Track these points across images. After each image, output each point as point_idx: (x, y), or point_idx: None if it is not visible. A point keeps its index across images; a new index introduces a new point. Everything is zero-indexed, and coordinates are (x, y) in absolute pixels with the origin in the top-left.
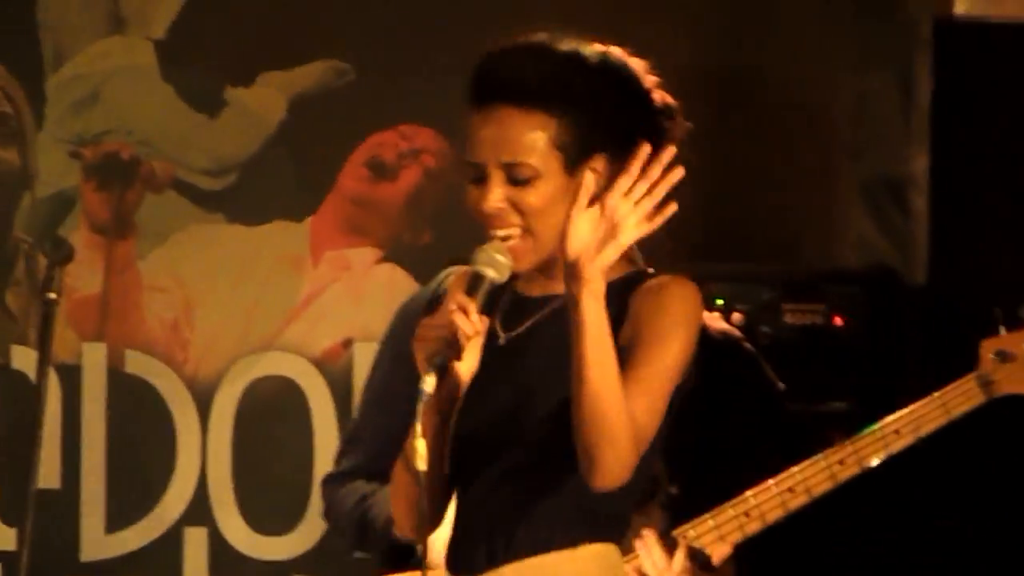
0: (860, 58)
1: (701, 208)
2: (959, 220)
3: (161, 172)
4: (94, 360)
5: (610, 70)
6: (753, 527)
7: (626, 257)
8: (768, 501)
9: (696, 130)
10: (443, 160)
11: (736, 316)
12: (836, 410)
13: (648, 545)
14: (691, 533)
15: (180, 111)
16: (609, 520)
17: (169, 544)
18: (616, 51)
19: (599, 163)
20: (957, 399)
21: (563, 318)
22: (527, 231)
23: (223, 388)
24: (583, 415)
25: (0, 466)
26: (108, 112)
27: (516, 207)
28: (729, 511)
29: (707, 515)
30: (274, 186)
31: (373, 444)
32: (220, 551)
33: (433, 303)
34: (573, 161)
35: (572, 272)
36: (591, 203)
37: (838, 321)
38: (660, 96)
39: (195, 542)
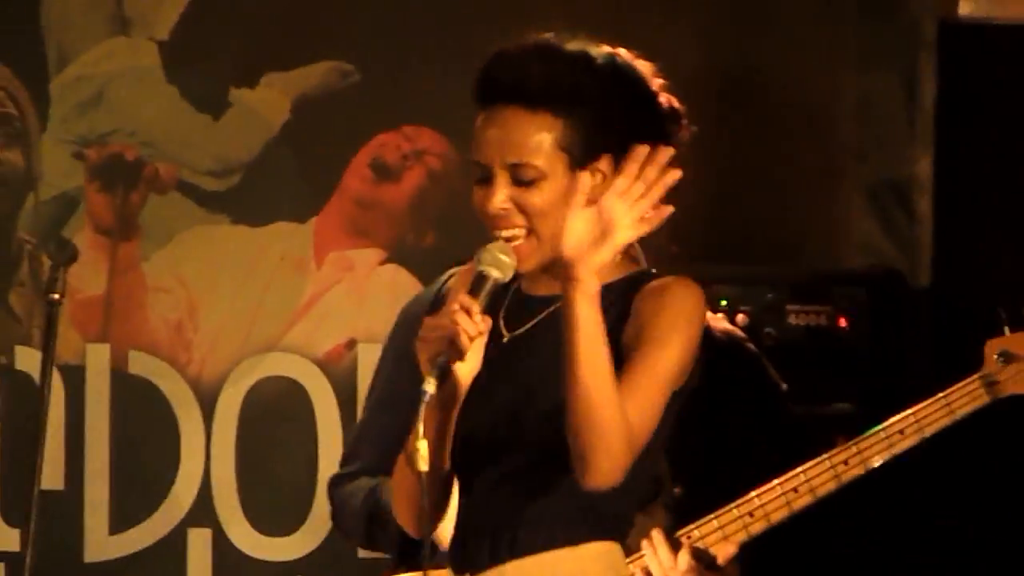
0: (864, 60)
1: (705, 210)
2: (963, 221)
3: (165, 173)
4: (98, 361)
5: (617, 72)
6: (757, 527)
7: (629, 257)
8: (772, 501)
9: (700, 132)
10: (447, 161)
11: (740, 317)
12: (840, 411)
13: (655, 545)
14: (695, 533)
15: (184, 112)
16: (612, 520)
17: (173, 545)
18: (623, 53)
19: (604, 164)
20: (962, 399)
21: (557, 318)
22: (531, 232)
23: (227, 389)
24: (576, 415)
25: (4, 467)
26: (112, 113)
27: (521, 208)
28: (733, 511)
29: (711, 515)
30: (278, 187)
31: (379, 445)
32: (224, 552)
33: (436, 304)
34: (578, 162)
35: (566, 272)
36: (590, 203)
37: (842, 322)
38: (667, 99)
39: (199, 543)
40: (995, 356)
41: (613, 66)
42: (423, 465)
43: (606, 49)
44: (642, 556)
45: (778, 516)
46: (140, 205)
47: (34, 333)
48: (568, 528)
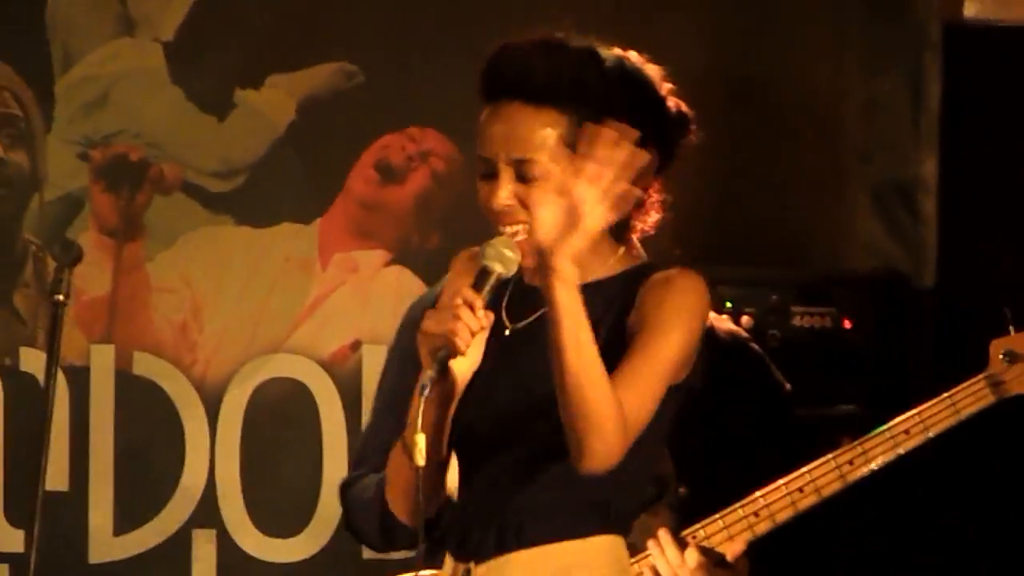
0: (869, 61)
1: (710, 211)
2: (968, 222)
3: (170, 174)
4: (102, 362)
5: (622, 70)
6: (763, 527)
7: (631, 254)
8: (778, 501)
9: (705, 133)
10: (451, 163)
11: (745, 319)
12: (845, 413)
13: (663, 543)
14: (700, 533)
15: (189, 113)
16: (617, 514)
17: (177, 546)
18: (632, 57)
19: (640, 166)
20: (967, 399)
21: None
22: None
23: (231, 390)
24: (566, 401)
25: (8, 468)
26: (117, 114)
27: (525, 204)
28: (739, 511)
29: (716, 515)
30: (282, 188)
31: (387, 449)
32: (229, 553)
33: None
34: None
35: (543, 261)
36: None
37: (847, 324)
38: (675, 103)
39: (203, 544)
40: (1000, 356)
41: (618, 64)
42: (420, 459)
43: (615, 52)
44: (648, 555)
45: (783, 516)
46: (145, 206)
47: (39, 334)
48: (575, 520)
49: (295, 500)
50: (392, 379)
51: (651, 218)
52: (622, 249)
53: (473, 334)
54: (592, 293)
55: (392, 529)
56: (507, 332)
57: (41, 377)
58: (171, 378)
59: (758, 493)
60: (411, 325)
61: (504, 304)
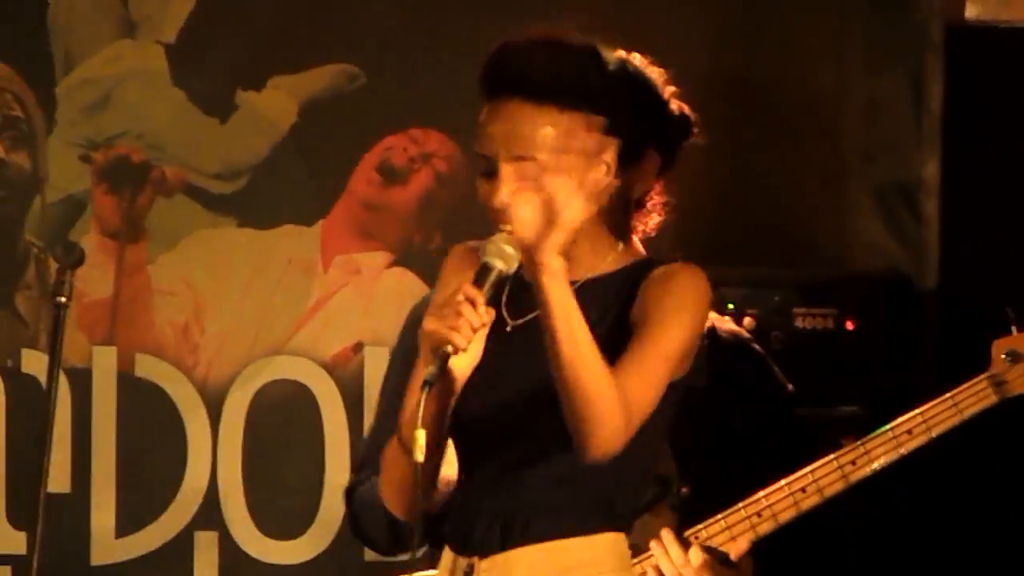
0: (871, 62)
1: (712, 212)
2: (970, 223)
3: (172, 176)
4: (104, 364)
5: (625, 72)
6: (765, 527)
7: (632, 249)
8: (780, 501)
9: (707, 135)
10: (454, 164)
11: (747, 320)
12: (847, 414)
13: (667, 543)
14: (703, 534)
15: (191, 115)
16: (621, 511)
17: (180, 548)
18: (636, 59)
19: (608, 155)
20: (969, 399)
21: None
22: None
23: (234, 392)
24: (565, 391)
25: (10, 470)
26: (119, 116)
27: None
28: (741, 512)
29: (719, 515)
30: (285, 190)
31: None
32: (231, 555)
33: None
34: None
35: (528, 258)
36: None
37: (849, 325)
38: (677, 106)
39: (206, 546)
40: (1002, 356)
41: (624, 72)
42: (420, 455)
43: (618, 54)
44: (651, 556)
45: (786, 516)
46: (147, 208)
47: (41, 336)
48: (580, 517)
49: (297, 502)
50: (395, 381)
51: (653, 219)
52: (621, 245)
53: (475, 330)
54: (593, 289)
55: (399, 529)
56: (508, 329)
57: (43, 379)
58: (173, 380)
59: (760, 493)
60: (414, 327)
61: (504, 300)
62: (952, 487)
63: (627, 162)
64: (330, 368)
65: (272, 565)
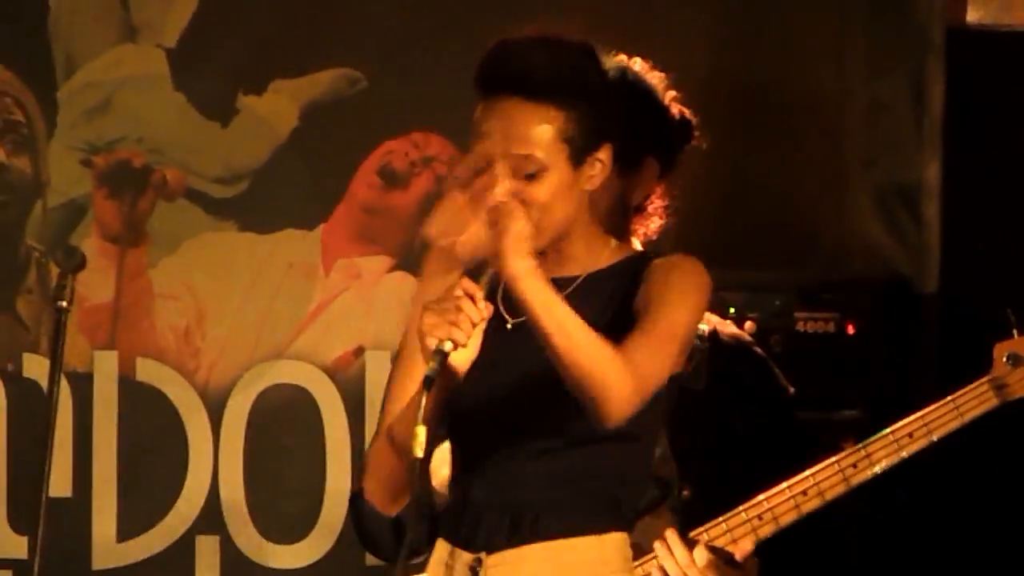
0: (872, 65)
1: (713, 215)
2: (971, 226)
3: (173, 180)
4: (105, 368)
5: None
6: (766, 530)
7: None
8: (781, 504)
9: (709, 138)
10: (455, 168)
11: (748, 324)
12: (848, 418)
13: (671, 543)
14: (704, 536)
15: (192, 119)
16: (626, 512)
17: (181, 552)
18: (636, 64)
19: (604, 154)
20: (970, 402)
21: (569, 300)
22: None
23: (235, 396)
24: (569, 377)
25: (11, 474)
26: (120, 120)
27: (523, 201)
28: (742, 514)
29: (720, 518)
30: (286, 194)
31: None
32: (232, 559)
33: None
34: (579, 152)
35: (496, 277)
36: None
37: (850, 328)
38: (678, 110)
39: (207, 550)
40: (1004, 359)
41: (624, 79)
42: (419, 451)
43: (618, 60)
44: (655, 556)
45: (787, 519)
46: (148, 212)
47: (42, 340)
48: (590, 515)
49: (298, 506)
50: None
51: (654, 223)
52: (614, 242)
53: (474, 325)
54: (594, 283)
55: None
56: (508, 326)
57: (44, 383)
58: (174, 384)
59: (761, 496)
60: None
61: (500, 298)
62: (953, 490)
63: (627, 169)
64: (331, 372)
65: (273, 569)
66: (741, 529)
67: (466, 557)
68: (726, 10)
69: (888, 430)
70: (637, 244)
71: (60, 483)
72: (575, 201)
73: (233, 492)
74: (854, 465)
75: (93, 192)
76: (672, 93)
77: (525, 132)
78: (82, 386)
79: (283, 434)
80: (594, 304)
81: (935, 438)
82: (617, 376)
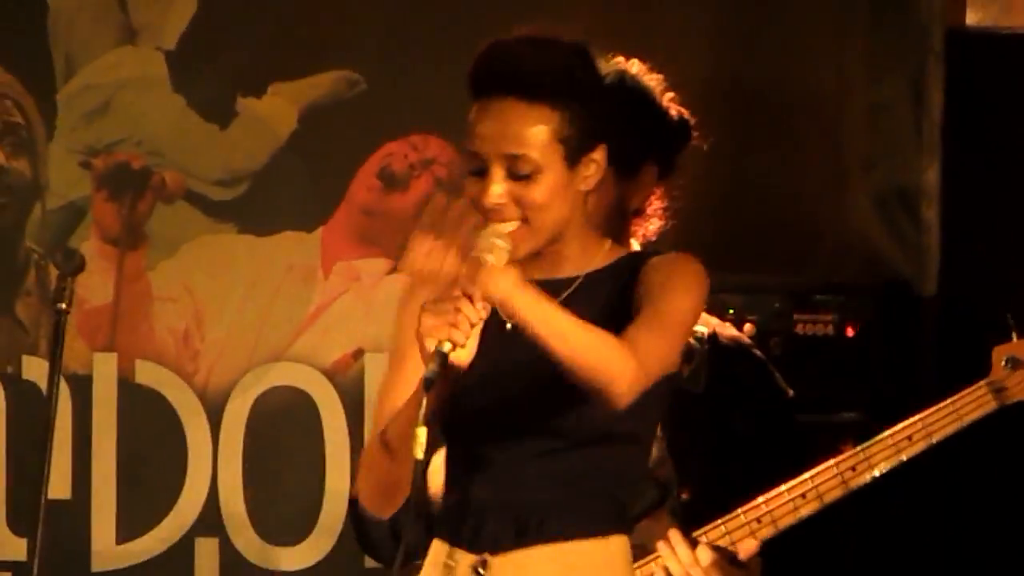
0: (872, 68)
1: (712, 218)
2: (970, 229)
3: (172, 182)
4: (105, 370)
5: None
6: (765, 533)
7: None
8: (780, 507)
9: (708, 140)
10: (454, 170)
11: (748, 326)
12: (848, 420)
13: (674, 543)
14: (703, 539)
15: (191, 121)
16: (627, 514)
17: (180, 554)
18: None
19: (599, 154)
20: (969, 406)
21: (569, 301)
22: (525, 221)
23: (234, 398)
24: (573, 373)
25: (11, 476)
26: (119, 122)
27: (519, 202)
28: (740, 517)
29: (719, 521)
30: (285, 196)
31: None
32: (231, 561)
33: None
34: (575, 152)
35: (479, 302)
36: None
37: (849, 331)
38: (676, 111)
39: (206, 552)
40: (1002, 362)
41: (621, 83)
42: (420, 452)
43: (616, 63)
44: (658, 557)
45: (785, 522)
46: (147, 214)
47: (41, 342)
48: (592, 518)
49: (298, 508)
50: None
51: (653, 224)
52: (609, 242)
53: (472, 325)
54: (593, 283)
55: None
56: (508, 326)
57: (43, 385)
58: (173, 387)
59: (760, 499)
60: None
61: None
62: (951, 493)
63: (626, 174)
64: (330, 374)
65: (273, 571)
66: (740, 532)
67: (470, 558)
68: (725, 12)
69: (887, 433)
70: (636, 245)
71: (59, 485)
72: (570, 201)
73: (232, 494)
74: (853, 468)
75: (92, 194)
76: (670, 94)
77: (520, 132)
78: (81, 388)
79: (282, 436)
80: (594, 303)
81: (934, 441)
82: (620, 361)
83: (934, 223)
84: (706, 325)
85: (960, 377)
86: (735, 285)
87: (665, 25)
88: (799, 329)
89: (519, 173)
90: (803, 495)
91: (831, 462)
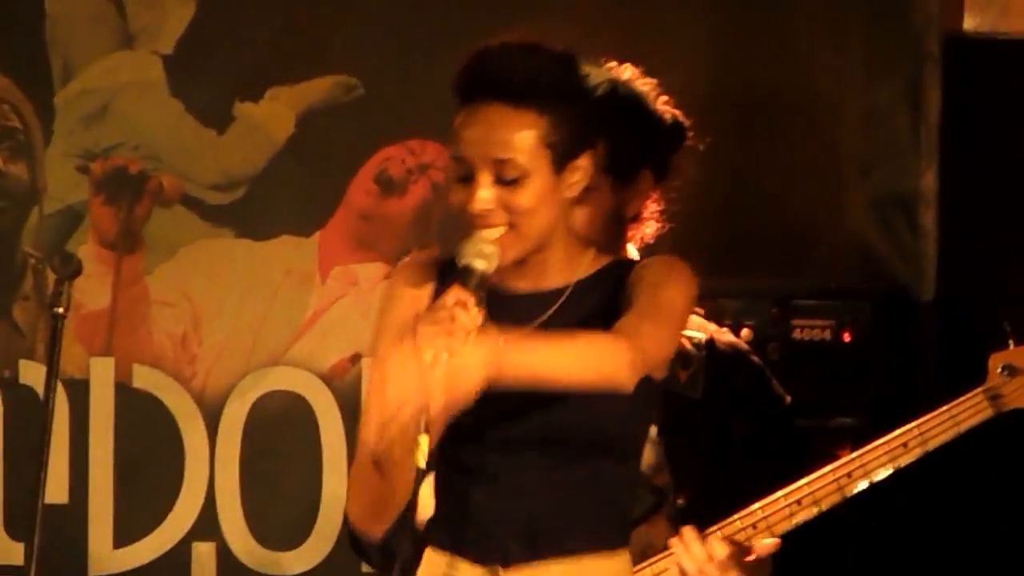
0: (869, 74)
1: (710, 222)
2: (968, 234)
3: (169, 187)
4: (102, 375)
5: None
6: (761, 539)
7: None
8: (776, 513)
9: (705, 145)
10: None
11: (745, 331)
12: (844, 425)
13: (687, 541)
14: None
15: (188, 126)
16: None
17: (177, 559)
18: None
19: (584, 160)
20: (966, 413)
21: (559, 312)
22: (512, 227)
23: (231, 403)
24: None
25: (8, 481)
26: (117, 127)
27: (505, 207)
28: (737, 523)
29: (715, 527)
30: (282, 201)
31: None
32: (228, 566)
33: None
34: (561, 158)
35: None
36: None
37: (847, 336)
38: (669, 115)
39: (203, 557)
40: (999, 369)
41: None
42: (422, 461)
43: (607, 70)
44: (670, 554)
45: (782, 528)
46: (144, 218)
47: (38, 347)
48: (604, 531)
49: (295, 513)
50: None
51: (649, 227)
52: (593, 250)
53: (469, 332)
54: (579, 294)
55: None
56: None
57: (41, 390)
58: (171, 391)
59: (757, 505)
60: None
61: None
62: (947, 500)
63: (622, 182)
64: (328, 379)
65: None
66: (736, 537)
67: (478, 571)
68: (723, 17)
69: (883, 440)
70: (633, 250)
71: (56, 490)
72: (557, 208)
73: (229, 499)
74: (849, 475)
75: (90, 198)
76: (663, 98)
77: (507, 137)
78: (78, 393)
79: (279, 441)
80: (584, 312)
81: (930, 448)
82: (613, 354)
83: (932, 228)
84: (704, 331)
85: (958, 382)
86: (732, 290)
87: (663, 30)
88: (796, 334)
89: (506, 178)
90: (799, 501)
91: (827, 468)
